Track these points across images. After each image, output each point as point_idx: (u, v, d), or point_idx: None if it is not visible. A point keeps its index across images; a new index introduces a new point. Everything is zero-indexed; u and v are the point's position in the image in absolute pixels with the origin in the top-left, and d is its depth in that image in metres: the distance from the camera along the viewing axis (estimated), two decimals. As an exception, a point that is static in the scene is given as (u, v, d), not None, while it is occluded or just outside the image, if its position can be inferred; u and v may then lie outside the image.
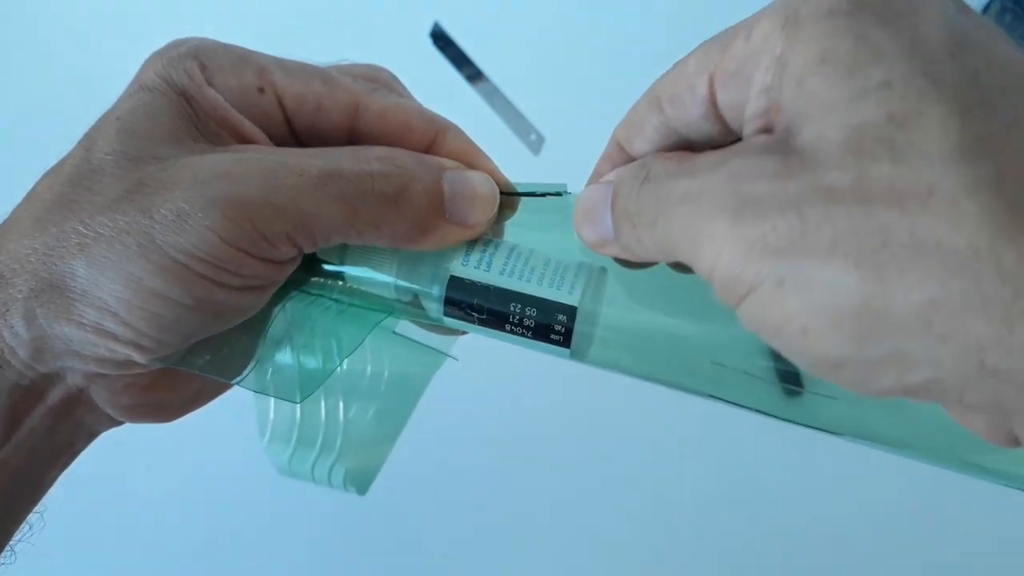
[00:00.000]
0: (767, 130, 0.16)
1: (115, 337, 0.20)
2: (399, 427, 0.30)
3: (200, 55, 0.21)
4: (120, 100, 0.21)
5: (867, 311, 0.13)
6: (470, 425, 0.55)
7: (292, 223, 0.20)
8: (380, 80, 0.24)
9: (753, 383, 0.22)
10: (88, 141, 0.20)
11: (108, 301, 0.19)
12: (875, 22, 0.15)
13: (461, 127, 0.23)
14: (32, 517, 0.23)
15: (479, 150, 0.23)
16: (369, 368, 0.25)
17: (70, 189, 0.20)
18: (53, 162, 0.21)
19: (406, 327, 0.27)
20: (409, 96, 0.24)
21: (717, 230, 0.15)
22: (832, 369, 0.14)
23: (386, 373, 0.30)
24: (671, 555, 0.55)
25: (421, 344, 0.28)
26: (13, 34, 0.61)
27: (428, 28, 0.62)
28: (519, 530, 0.54)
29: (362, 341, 0.24)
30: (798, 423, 0.22)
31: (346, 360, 0.24)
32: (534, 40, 0.63)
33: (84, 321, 0.19)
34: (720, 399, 0.23)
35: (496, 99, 0.61)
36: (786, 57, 0.15)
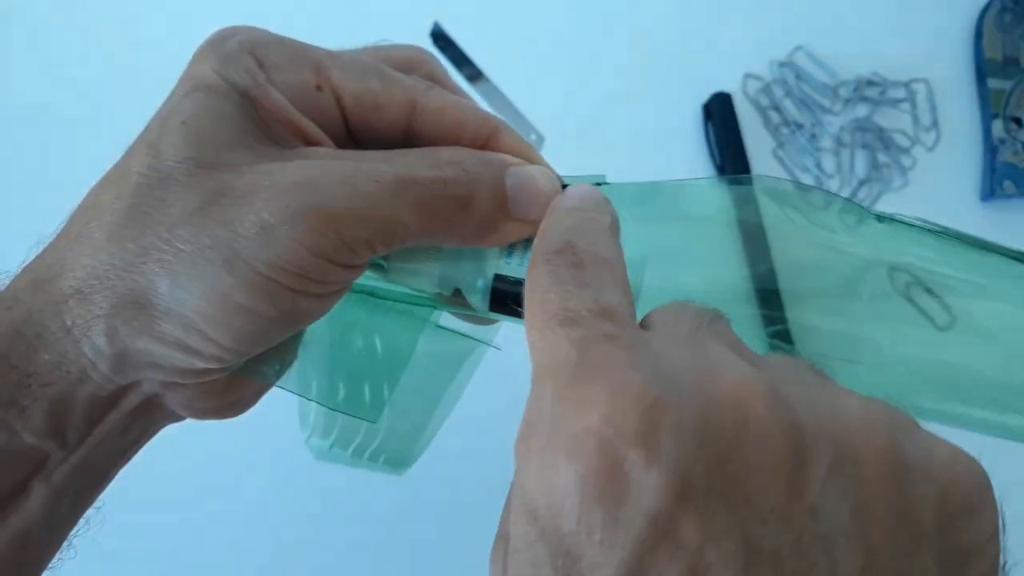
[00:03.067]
0: None
1: (198, 352, 0.19)
2: (442, 411, 0.31)
3: (256, 50, 0.21)
4: (176, 100, 0.21)
5: None
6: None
7: (373, 230, 0.20)
8: (423, 64, 0.24)
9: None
10: (150, 147, 0.20)
11: (193, 318, 0.19)
12: None
13: None
14: (89, 512, 0.23)
15: (532, 147, 0.23)
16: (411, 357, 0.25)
17: (142, 200, 0.19)
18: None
19: (446, 318, 0.27)
20: (452, 82, 0.25)
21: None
22: None
23: (425, 357, 0.30)
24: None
25: (463, 335, 0.28)
26: (12, 33, 0.61)
27: (428, 28, 0.62)
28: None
29: (415, 344, 0.24)
30: None
31: (400, 351, 0.24)
32: (534, 40, 0.63)
33: (167, 337, 0.19)
34: None
35: (496, 99, 0.61)
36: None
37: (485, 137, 0.22)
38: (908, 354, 0.21)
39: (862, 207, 0.22)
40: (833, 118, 0.61)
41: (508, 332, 0.27)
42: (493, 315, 0.23)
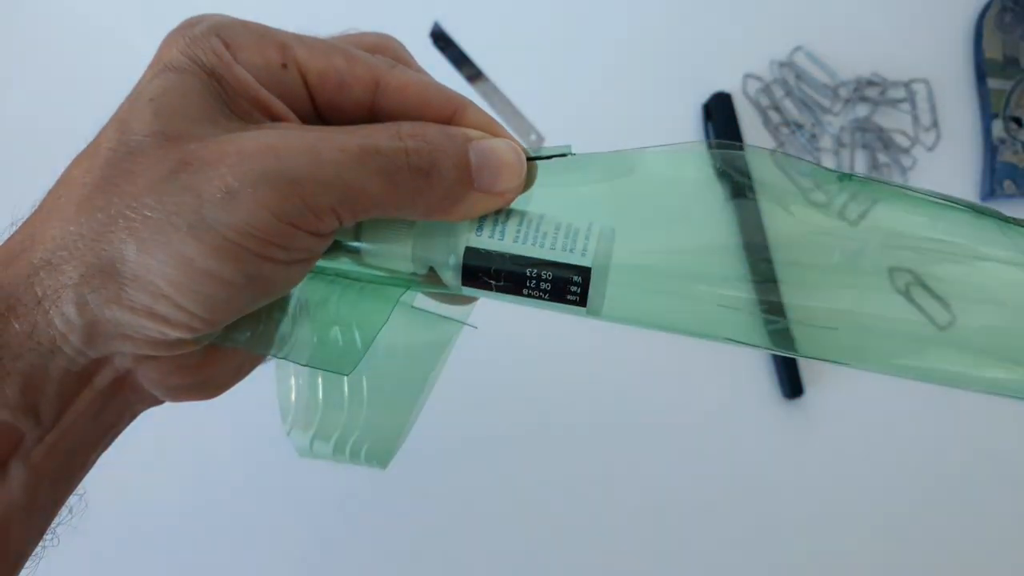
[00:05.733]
0: None
1: (167, 319, 0.20)
2: (420, 398, 0.31)
3: (222, 32, 0.21)
4: (145, 81, 0.21)
5: None
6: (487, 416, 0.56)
7: (337, 196, 0.20)
8: (389, 49, 0.25)
9: (757, 320, 0.24)
10: (121, 124, 0.20)
11: (160, 284, 0.19)
12: None
13: None
14: (72, 499, 0.23)
15: (497, 123, 0.24)
16: (384, 341, 0.25)
17: (111, 171, 0.20)
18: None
19: (420, 300, 0.28)
20: (418, 65, 0.25)
21: None
22: None
23: (402, 345, 0.30)
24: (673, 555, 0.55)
25: (438, 315, 0.28)
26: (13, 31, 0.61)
27: (428, 28, 0.62)
28: (526, 528, 0.54)
29: (390, 314, 0.24)
30: (800, 355, 0.24)
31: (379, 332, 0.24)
32: (534, 40, 0.63)
33: (136, 305, 0.19)
34: (733, 340, 0.24)
35: (496, 99, 0.61)
36: None
37: (450, 113, 0.23)
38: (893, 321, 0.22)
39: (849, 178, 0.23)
40: (833, 118, 0.61)
41: (483, 311, 0.27)
42: (467, 291, 0.24)
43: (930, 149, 0.60)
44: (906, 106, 0.61)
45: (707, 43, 0.62)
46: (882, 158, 0.60)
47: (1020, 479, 0.56)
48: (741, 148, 0.23)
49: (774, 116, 0.61)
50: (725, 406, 0.56)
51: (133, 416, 0.23)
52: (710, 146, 0.24)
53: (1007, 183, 0.59)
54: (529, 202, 0.24)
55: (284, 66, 0.22)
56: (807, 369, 0.56)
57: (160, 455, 0.52)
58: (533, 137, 0.60)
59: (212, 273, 0.19)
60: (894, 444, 0.56)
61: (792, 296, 0.22)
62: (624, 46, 0.62)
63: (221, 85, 0.21)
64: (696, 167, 0.24)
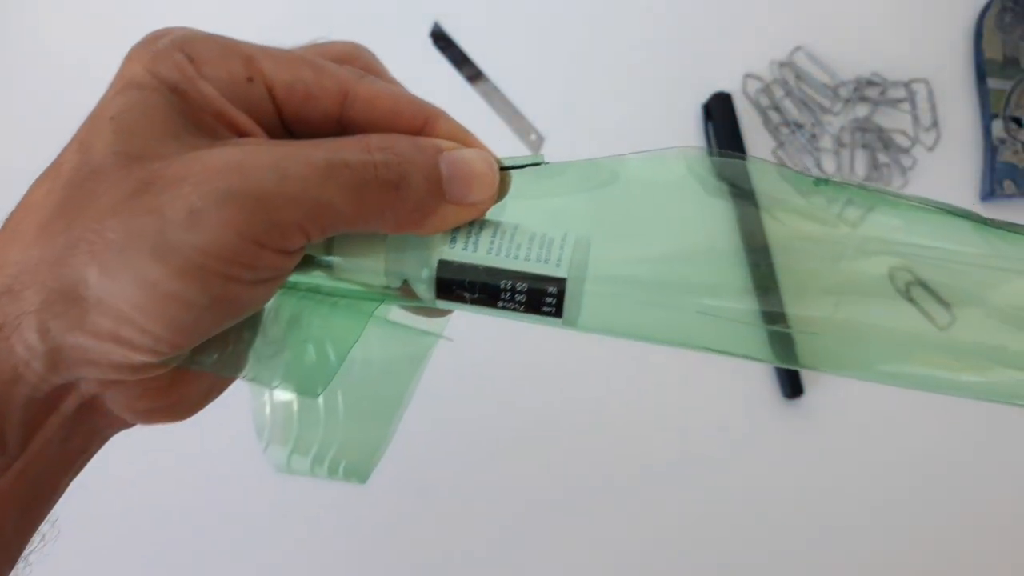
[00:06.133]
0: None
1: (132, 344, 0.19)
2: (397, 412, 0.31)
3: (185, 46, 0.21)
4: (107, 99, 0.21)
5: None
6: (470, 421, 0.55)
7: (304, 213, 0.20)
8: (359, 59, 0.24)
9: (739, 329, 0.23)
10: (81, 144, 0.20)
11: (124, 308, 0.19)
12: None
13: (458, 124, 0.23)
14: (44, 527, 0.22)
15: (470, 133, 0.23)
16: (360, 355, 0.25)
17: (72, 193, 0.19)
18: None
19: (395, 313, 0.27)
20: (389, 75, 0.25)
21: None
22: None
23: (379, 359, 0.30)
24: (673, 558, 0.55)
25: (413, 328, 0.28)
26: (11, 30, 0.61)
27: (428, 28, 0.62)
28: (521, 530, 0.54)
29: (363, 330, 0.24)
30: (787, 365, 0.24)
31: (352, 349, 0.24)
32: (534, 40, 0.63)
33: (100, 330, 0.19)
34: (712, 350, 0.24)
35: (496, 99, 0.61)
36: None
37: (420, 124, 0.22)
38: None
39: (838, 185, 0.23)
40: (833, 118, 0.61)
41: (459, 323, 0.27)
42: (441, 304, 0.23)
43: (930, 149, 0.61)
44: (906, 106, 0.61)
45: (707, 43, 0.62)
46: (882, 158, 0.60)
47: (1020, 479, 0.56)
48: (721, 153, 0.23)
49: (774, 116, 0.61)
50: (725, 406, 0.56)
51: (104, 440, 0.23)
52: (697, 151, 0.23)
53: (1007, 183, 0.59)
54: (503, 212, 0.24)
55: (250, 79, 0.21)
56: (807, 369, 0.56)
57: (133, 477, 0.51)
58: (533, 137, 0.60)
59: (177, 296, 0.19)
60: (894, 444, 0.56)
61: (776, 304, 0.22)
62: (624, 46, 0.62)
63: (185, 101, 0.20)
64: (675, 172, 0.23)
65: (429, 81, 0.62)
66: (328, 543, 0.53)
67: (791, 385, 0.56)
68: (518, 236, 0.23)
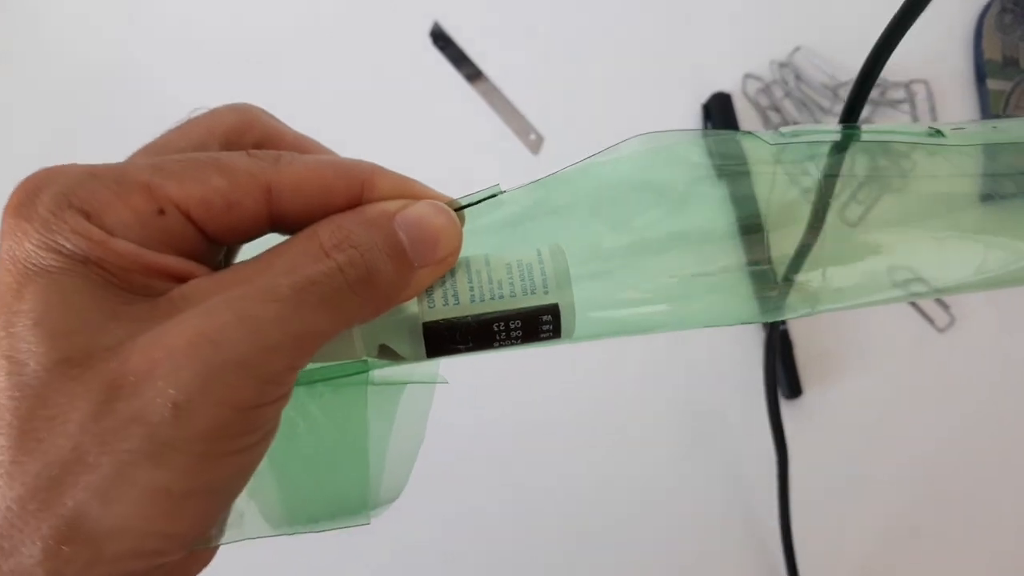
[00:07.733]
0: None
1: (158, 551, 0.18)
2: (412, 460, 0.29)
3: (74, 200, 0.18)
4: (11, 299, 0.17)
5: None
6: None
7: (289, 353, 0.18)
8: (254, 125, 0.22)
9: (734, 287, 0.23)
10: (9, 362, 0.17)
11: (140, 525, 0.17)
12: None
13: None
14: None
15: (411, 180, 0.21)
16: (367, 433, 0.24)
17: (26, 427, 0.16)
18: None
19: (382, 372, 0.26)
20: (285, 126, 0.22)
21: None
22: None
23: (382, 423, 0.29)
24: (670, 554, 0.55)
25: (407, 383, 0.27)
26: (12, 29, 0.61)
27: (428, 28, 0.62)
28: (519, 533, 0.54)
29: (366, 423, 0.23)
30: (777, 318, 0.24)
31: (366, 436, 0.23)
32: (534, 40, 0.63)
33: (121, 554, 0.17)
34: (715, 324, 0.23)
35: (495, 98, 0.61)
36: None
37: (357, 191, 0.20)
38: None
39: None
40: (833, 118, 0.61)
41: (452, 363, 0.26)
42: (435, 359, 0.22)
43: (930, 149, 0.61)
44: (906, 107, 0.61)
45: (707, 43, 0.62)
46: (882, 160, 0.60)
47: (1020, 479, 0.56)
48: (667, 132, 0.22)
49: (774, 116, 0.61)
50: (725, 406, 0.56)
51: None
52: (651, 136, 0.22)
53: (1007, 184, 0.59)
54: (465, 246, 0.22)
55: (161, 212, 0.18)
56: (806, 369, 0.56)
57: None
58: (532, 137, 0.60)
59: (192, 491, 0.17)
60: (893, 444, 0.56)
61: (760, 247, 0.22)
62: (624, 46, 0.62)
63: (103, 268, 0.18)
64: (638, 168, 0.23)
65: (428, 81, 0.62)
66: (328, 543, 0.53)
67: (790, 385, 0.56)
68: (494, 271, 0.21)
